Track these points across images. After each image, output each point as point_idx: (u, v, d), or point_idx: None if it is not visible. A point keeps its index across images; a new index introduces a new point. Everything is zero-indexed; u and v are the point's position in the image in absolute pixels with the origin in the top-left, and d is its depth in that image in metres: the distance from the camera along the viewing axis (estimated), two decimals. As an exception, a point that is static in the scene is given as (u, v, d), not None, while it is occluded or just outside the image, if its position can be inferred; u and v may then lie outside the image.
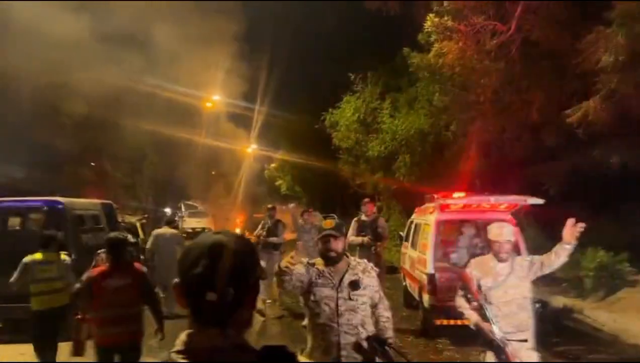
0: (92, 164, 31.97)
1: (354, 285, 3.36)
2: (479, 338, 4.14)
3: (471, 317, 4.19)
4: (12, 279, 6.13)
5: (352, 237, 8.59)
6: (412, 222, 10.10)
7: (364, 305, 3.38)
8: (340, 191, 35.76)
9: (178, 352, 1.21)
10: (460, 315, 7.63)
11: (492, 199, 7.64)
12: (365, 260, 3.68)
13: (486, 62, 10.61)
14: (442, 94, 14.51)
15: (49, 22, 22.41)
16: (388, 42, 22.44)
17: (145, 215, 20.19)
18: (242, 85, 34.08)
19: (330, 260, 3.44)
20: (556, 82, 10.77)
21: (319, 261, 3.49)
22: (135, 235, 12.62)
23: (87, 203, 10.71)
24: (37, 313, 6.12)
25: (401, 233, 11.11)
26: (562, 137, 11.20)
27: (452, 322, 7.53)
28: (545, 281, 11.01)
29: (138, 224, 13.89)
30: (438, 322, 7.61)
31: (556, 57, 10.75)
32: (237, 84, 33.63)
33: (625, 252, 9.42)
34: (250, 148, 50.42)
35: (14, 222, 9.92)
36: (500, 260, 4.07)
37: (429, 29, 10.79)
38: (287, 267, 3.29)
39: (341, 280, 3.38)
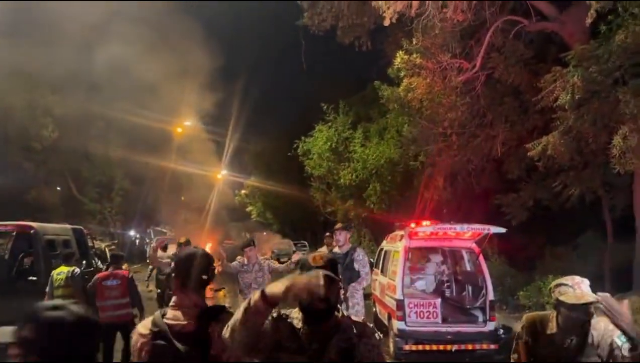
0: (58, 188, 31.47)
1: (346, 358, 2.05)
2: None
3: None
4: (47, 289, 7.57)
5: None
6: (382, 249, 10.39)
7: None
8: (311, 219, 36.06)
9: (170, 305, 2.34)
10: (429, 341, 7.98)
11: (457, 227, 8.00)
12: (363, 319, 2.36)
13: (452, 97, 11.17)
14: (410, 125, 15.04)
15: (23, 46, 22.30)
16: (360, 73, 23.09)
17: (114, 241, 19.96)
18: (213, 111, 34.22)
19: (313, 317, 2.09)
20: (518, 117, 11.38)
21: (295, 314, 2.17)
22: (104, 260, 12.55)
23: (58, 228, 10.63)
24: None
25: (371, 259, 11.37)
26: (523, 170, 11.78)
27: (420, 347, 7.79)
28: (511, 309, 11.43)
29: (107, 250, 13.82)
30: (407, 347, 7.84)
31: (518, 93, 11.38)
32: (208, 111, 33.78)
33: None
34: (221, 174, 50.25)
35: (-18, 246, 9.81)
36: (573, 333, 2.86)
37: (399, 65, 11.33)
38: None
39: (324, 347, 2.05)
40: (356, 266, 6.28)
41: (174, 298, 2.37)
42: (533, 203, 12.16)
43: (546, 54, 11.28)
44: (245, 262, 6.83)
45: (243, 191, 49.13)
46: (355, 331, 2.13)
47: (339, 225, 6.78)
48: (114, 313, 6.90)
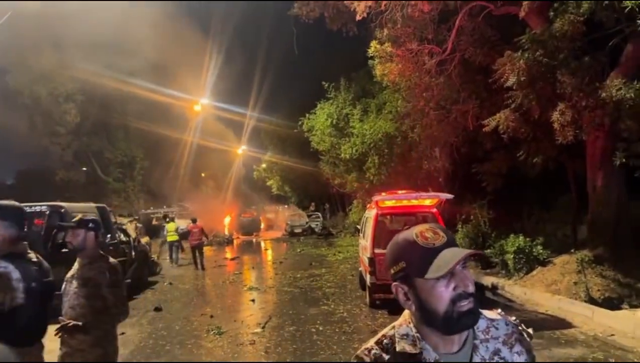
0: (84, 169, 33.43)
1: None
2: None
3: None
4: None
5: None
6: (364, 217, 11.81)
7: None
8: (324, 190, 37.54)
9: None
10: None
11: (414, 195, 9.34)
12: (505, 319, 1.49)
13: (426, 78, 12.31)
14: (404, 101, 16.19)
15: (44, 33, 23.77)
16: (365, 49, 24.02)
17: (136, 217, 21.74)
18: (231, 90, 35.71)
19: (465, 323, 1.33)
20: (487, 94, 12.47)
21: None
22: (127, 234, 14.19)
23: (84, 207, 12.27)
24: None
25: (358, 226, 12.81)
26: (495, 142, 12.93)
27: (389, 296, 9.25)
28: (482, 265, 12.79)
29: (129, 226, 15.38)
30: (376, 296, 9.32)
31: (487, 72, 12.44)
32: (225, 89, 35.31)
33: (540, 238, 11.12)
34: (241, 149, 52.06)
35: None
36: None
37: (373, 54, 12.49)
38: None
39: None
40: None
41: None
42: (507, 171, 13.34)
43: (512, 36, 12.28)
44: None
45: (262, 166, 50.78)
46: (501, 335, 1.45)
47: None
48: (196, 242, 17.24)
